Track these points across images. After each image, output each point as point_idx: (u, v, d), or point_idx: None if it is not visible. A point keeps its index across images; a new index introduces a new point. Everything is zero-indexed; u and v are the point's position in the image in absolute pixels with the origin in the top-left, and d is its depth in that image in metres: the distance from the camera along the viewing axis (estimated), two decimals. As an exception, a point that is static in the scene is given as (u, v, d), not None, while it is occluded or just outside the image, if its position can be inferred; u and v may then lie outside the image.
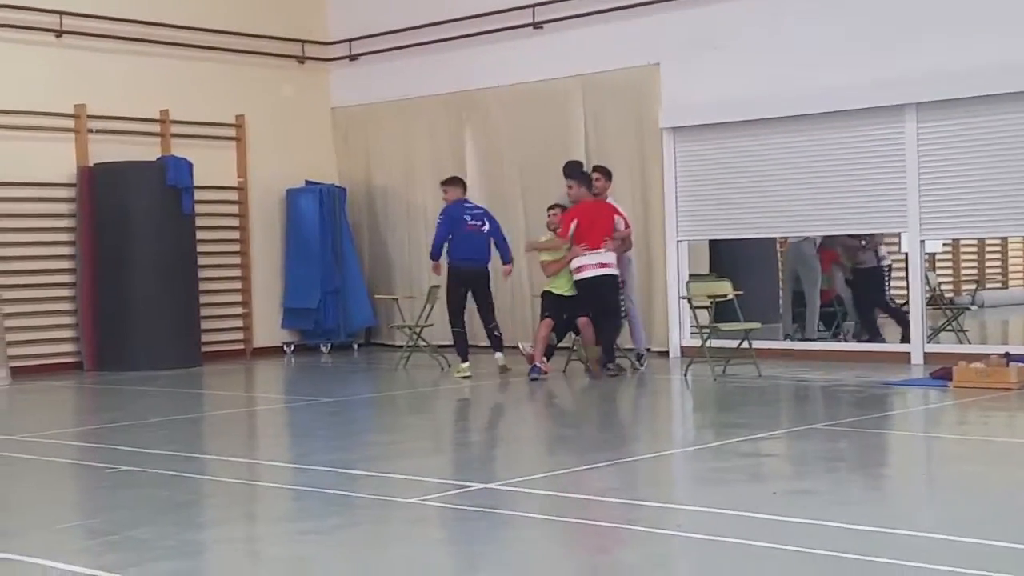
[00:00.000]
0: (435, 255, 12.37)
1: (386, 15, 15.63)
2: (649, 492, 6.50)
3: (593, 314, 11.73)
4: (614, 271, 11.78)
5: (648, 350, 12.72)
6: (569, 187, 12.07)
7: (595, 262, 11.67)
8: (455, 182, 12.77)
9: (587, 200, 11.96)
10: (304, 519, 6.11)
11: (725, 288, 11.85)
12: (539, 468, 7.47)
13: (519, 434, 9.43)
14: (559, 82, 14.24)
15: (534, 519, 5.91)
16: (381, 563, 5.11)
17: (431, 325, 13.56)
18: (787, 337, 13.91)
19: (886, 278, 13.82)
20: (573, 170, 12.28)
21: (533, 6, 14.30)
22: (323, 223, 15.36)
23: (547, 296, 12.08)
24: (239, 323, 15.38)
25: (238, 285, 15.38)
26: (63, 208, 13.93)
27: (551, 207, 12.31)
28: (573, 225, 11.76)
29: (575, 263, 11.75)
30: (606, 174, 12.33)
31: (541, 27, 14.31)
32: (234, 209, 15.35)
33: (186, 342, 13.94)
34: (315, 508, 6.31)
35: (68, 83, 13.90)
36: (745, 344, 11.59)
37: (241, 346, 15.31)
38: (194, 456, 8.07)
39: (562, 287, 11.97)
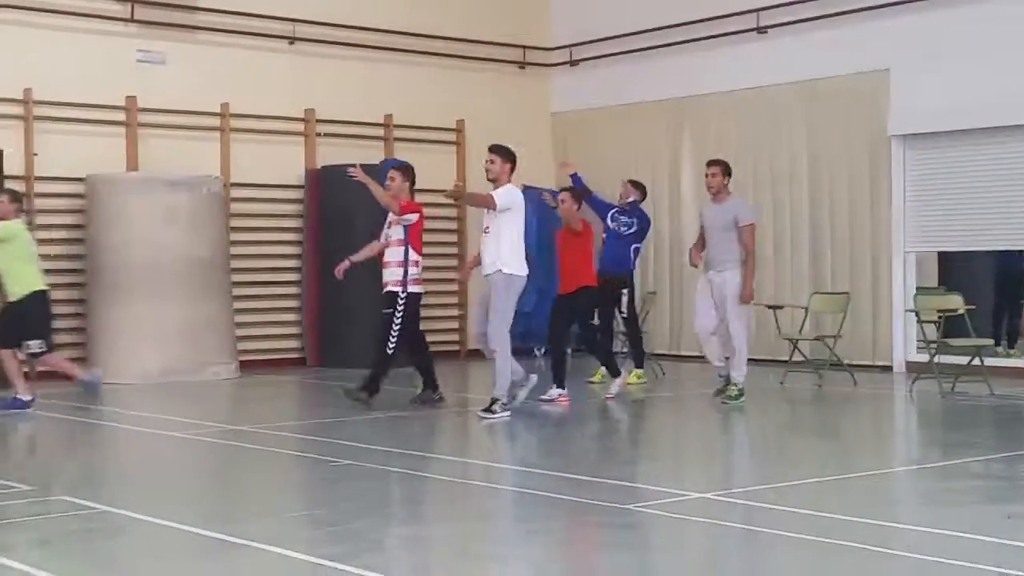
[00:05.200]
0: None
1: (607, 21, 15.62)
2: (872, 510, 6.26)
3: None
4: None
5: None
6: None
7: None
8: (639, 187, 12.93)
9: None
10: (521, 520, 6.14)
11: (955, 302, 11.36)
12: (757, 480, 7.31)
13: (738, 445, 9.25)
14: (782, 88, 13.94)
15: (751, 531, 5.77)
16: (596, 567, 5.07)
17: (645, 332, 13.44)
18: None
19: None
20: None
21: (757, 11, 14.06)
22: (540, 228, 15.42)
23: None
24: (455, 324, 15.61)
25: (454, 287, 15.61)
26: (291, 209, 14.43)
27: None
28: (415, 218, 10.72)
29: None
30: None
31: (765, 32, 14.05)
32: (452, 212, 15.58)
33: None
34: (532, 510, 6.32)
35: (299, 88, 14.39)
36: (976, 361, 11.09)
37: (456, 347, 15.53)
38: (413, 453, 8.21)
39: None
